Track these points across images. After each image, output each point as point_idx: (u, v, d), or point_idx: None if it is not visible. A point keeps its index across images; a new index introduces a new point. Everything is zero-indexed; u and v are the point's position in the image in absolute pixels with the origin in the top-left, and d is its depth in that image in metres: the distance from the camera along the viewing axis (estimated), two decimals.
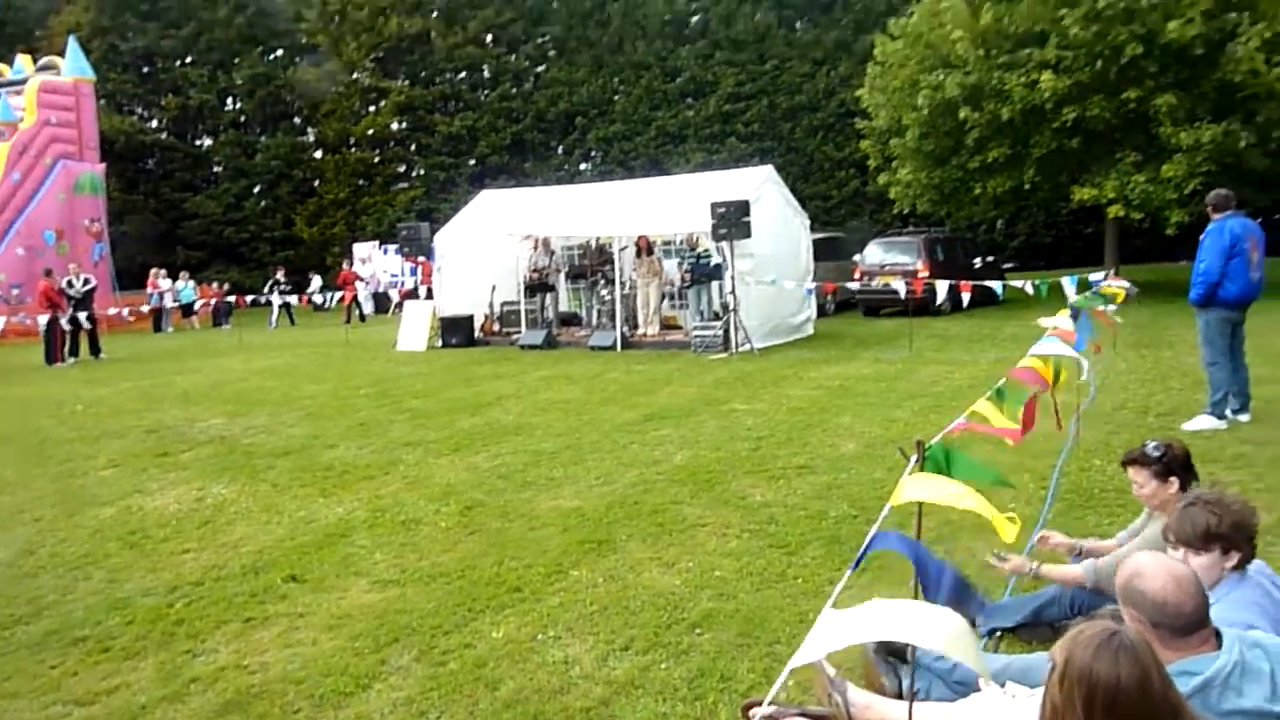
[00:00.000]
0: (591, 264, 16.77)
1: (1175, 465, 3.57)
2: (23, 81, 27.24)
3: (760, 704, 3.12)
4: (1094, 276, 11.14)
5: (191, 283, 27.85)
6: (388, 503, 6.40)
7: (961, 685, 3.07)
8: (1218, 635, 2.19)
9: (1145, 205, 17.89)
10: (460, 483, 6.83)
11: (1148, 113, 17.70)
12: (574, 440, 8.13)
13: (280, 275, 27.10)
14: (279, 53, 38.38)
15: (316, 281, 28.26)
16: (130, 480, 7.46)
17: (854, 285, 15.84)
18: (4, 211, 25.11)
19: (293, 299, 24.68)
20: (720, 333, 14.14)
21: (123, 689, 3.81)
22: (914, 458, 2.59)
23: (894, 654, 3.32)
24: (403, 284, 28.30)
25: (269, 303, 25.31)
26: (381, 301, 29.39)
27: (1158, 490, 3.58)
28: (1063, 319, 6.27)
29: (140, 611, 4.64)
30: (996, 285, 15.75)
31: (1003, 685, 2.83)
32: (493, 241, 16.97)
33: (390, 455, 7.88)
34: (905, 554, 2.17)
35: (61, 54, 28.15)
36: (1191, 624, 2.15)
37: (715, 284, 15.39)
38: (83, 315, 17.52)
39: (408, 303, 19.19)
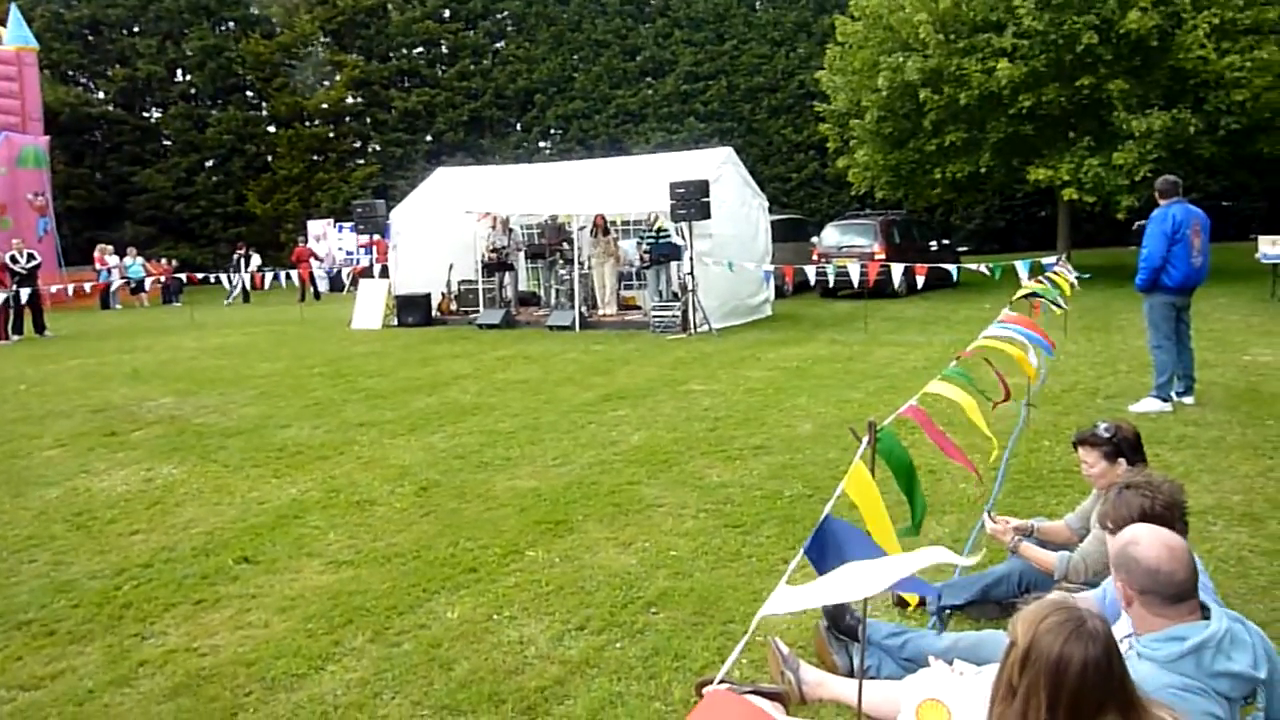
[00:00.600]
0: (550, 243, 16.69)
1: (1125, 446, 3.64)
2: None
3: (714, 682, 3.16)
4: (1046, 260, 11.33)
5: (140, 259, 27.27)
6: (342, 483, 6.35)
7: (910, 663, 3.14)
8: (1203, 607, 2.25)
9: (1097, 189, 18.18)
10: (416, 463, 6.79)
11: (1101, 99, 17.96)
12: (531, 420, 8.12)
13: (247, 251, 26.84)
14: (230, 25, 37.51)
15: (255, 260, 27.89)
16: (77, 461, 7.32)
17: (811, 270, 15.92)
18: None
19: (243, 276, 24.33)
20: (679, 313, 14.17)
21: (69, 673, 3.75)
22: (865, 439, 2.61)
23: (844, 632, 3.37)
24: (358, 262, 27.97)
25: (231, 279, 24.89)
26: (336, 280, 29.03)
27: (1106, 471, 3.65)
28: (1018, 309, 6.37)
29: (87, 594, 4.56)
30: (952, 268, 15.95)
31: (950, 663, 2.88)
32: (450, 219, 16.81)
33: (345, 435, 7.82)
34: (850, 545, 2.20)
35: (3, 22, 27.27)
36: (1182, 593, 2.22)
37: (674, 264, 15.41)
38: (26, 291, 17.07)
39: (363, 281, 18.98)
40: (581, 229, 16.10)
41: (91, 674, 3.74)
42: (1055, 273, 8.85)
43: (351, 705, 3.40)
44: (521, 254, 17.58)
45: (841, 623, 3.38)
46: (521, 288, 17.85)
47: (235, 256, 27.50)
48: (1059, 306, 7.85)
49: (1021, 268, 11.39)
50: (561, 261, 16.43)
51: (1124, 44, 17.51)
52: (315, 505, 5.87)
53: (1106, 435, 3.66)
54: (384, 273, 18.59)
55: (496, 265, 17.01)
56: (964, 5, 18.43)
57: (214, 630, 4.10)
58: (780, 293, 18.82)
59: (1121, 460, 3.64)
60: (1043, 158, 19.13)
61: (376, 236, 20.56)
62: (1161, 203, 7.40)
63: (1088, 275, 10.50)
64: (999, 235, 33.38)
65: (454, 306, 17.44)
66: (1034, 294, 7.72)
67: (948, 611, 3.84)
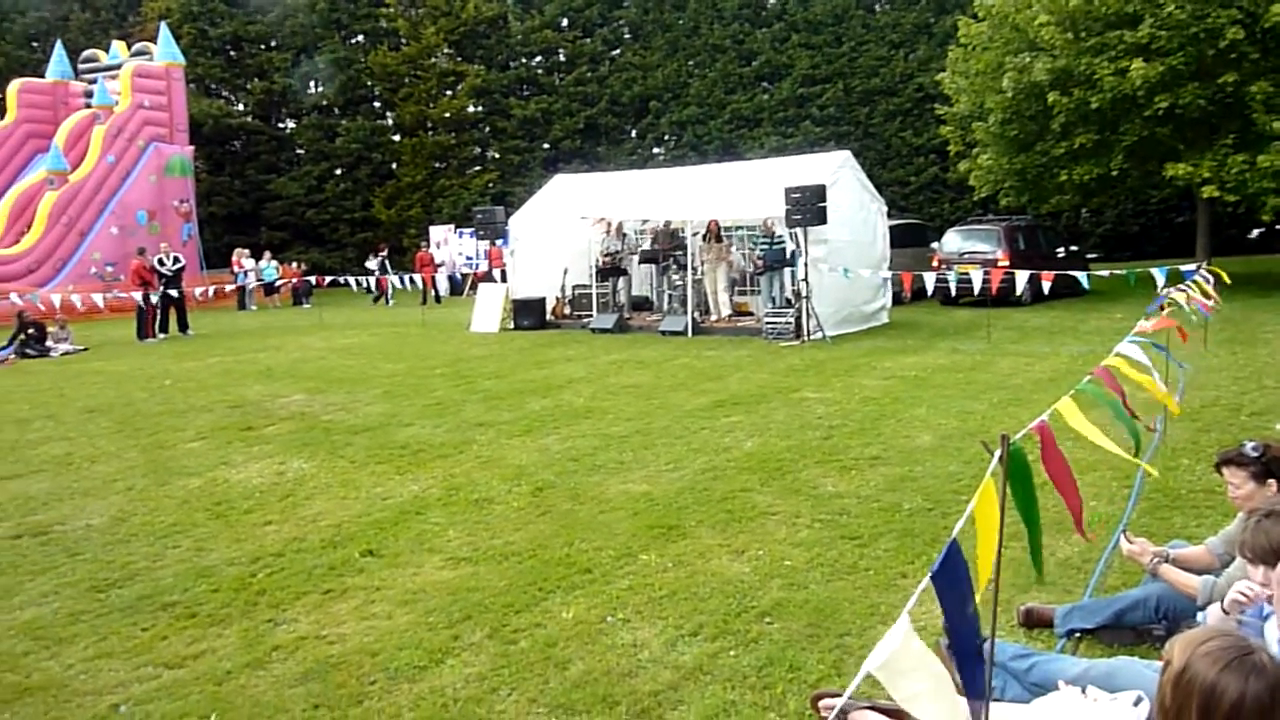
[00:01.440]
0: (663, 248, 16.75)
1: (1276, 467, 3.42)
2: (118, 67, 28.27)
3: (830, 695, 3.11)
4: (1186, 268, 10.75)
5: (274, 262, 28.65)
6: (461, 481, 6.51)
7: (1038, 687, 3.01)
8: None
9: (1240, 189, 17.14)
10: (531, 464, 6.91)
11: (1244, 98, 16.94)
12: (644, 425, 8.17)
13: (389, 252, 27.87)
14: (359, 38, 39.06)
15: (372, 262, 28.86)
16: (216, 453, 7.73)
17: (930, 277, 15.56)
18: (99, 192, 26.11)
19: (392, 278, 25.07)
20: (792, 320, 14.04)
21: (208, 654, 3.96)
22: (998, 453, 2.52)
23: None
24: (477, 266, 28.67)
25: (378, 280, 25.77)
26: (456, 284, 29.84)
27: (1254, 493, 3.43)
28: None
29: (225, 580, 4.80)
30: (1081, 275, 15.29)
31: (1083, 690, 2.76)
32: (565, 225, 17.06)
33: (464, 435, 8.01)
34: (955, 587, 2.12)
35: (154, 40, 29.09)
36: None
37: (788, 270, 15.26)
38: (173, 292, 18.15)
39: (482, 285, 19.44)
40: (695, 234, 16.11)
41: (229, 655, 3.93)
42: (1197, 280, 8.39)
43: (470, 699, 3.47)
44: (635, 259, 17.71)
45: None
46: (635, 292, 17.98)
47: (380, 258, 28.50)
48: (1203, 312, 7.39)
49: (1158, 275, 10.85)
50: (675, 266, 16.48)
51: (1270, 38, 16.46)
52: (436, 502, 6.03)
53: (1254, 455, 3.44)
54: (502, 277, 19.02)
55: (610, 270, 17.19)
56: (1095, 0, 17.66)
57: (341, 620, 4.25)
58: (898, 300, 18.40)
59: (1272, 482, 3.42)
60: (1181, 157, 18.16)
61: (496, 242, 21.05)
62: None
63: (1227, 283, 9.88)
64: (1131, 241, 31.81)
65: (568, 310, 17.69)
66: (1172, 304, 7.32)
67: (1077, 635, 3.68)
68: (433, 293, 26.74)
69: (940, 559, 2.20)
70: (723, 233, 16.19)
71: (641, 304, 18.03)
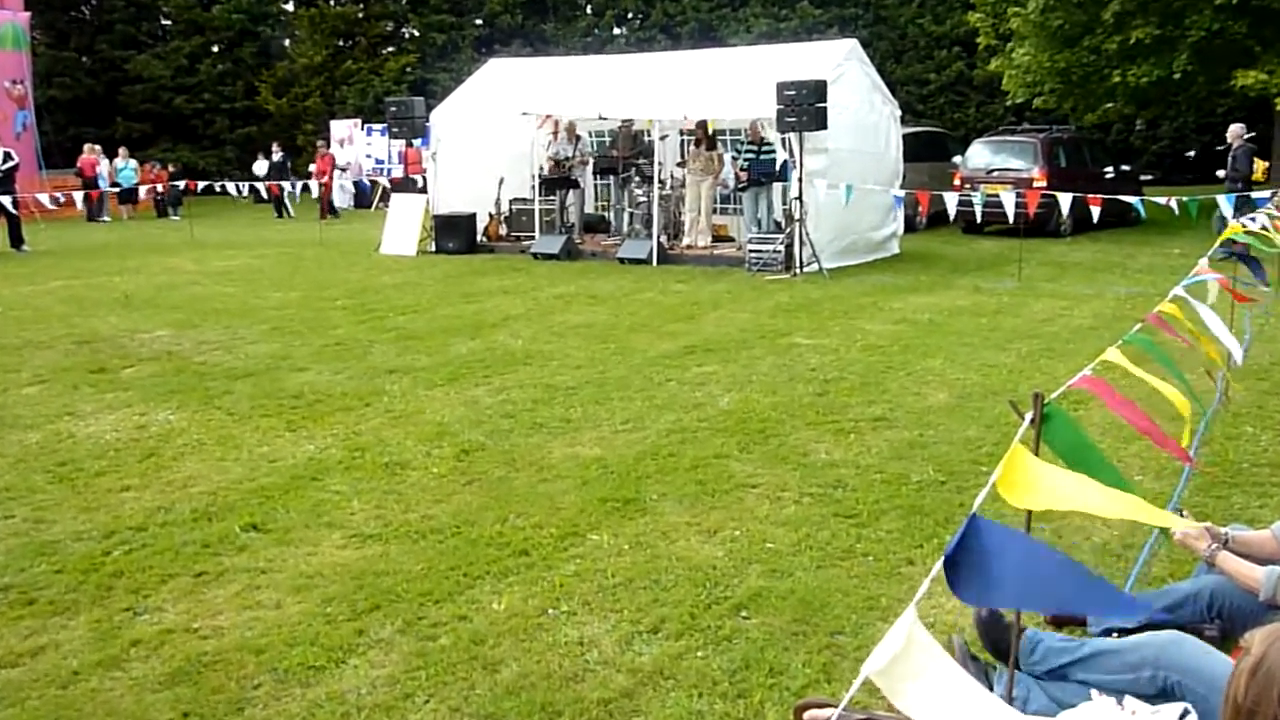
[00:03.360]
0: (624, 155, 16.65)
1: None
2: None
3: (818, 705, 3.15)
4: (1259, 195, 10.89)
5: (133, 162, 28.03)
6: (368, 441, 6.49)
7: (1060, 705, 3.08)
8: None
9: None
10: (456, 420, 6.91)
11: None
12: (597, 374, 8.19)
13: (279, 154, 27.46)
14: None
15: (262, 165, 28.35)
16: (59, 400, 7.60)
17: (951, 198, 15.60)
18: None
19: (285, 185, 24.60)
20: (782, 248, 14.09)
21: (51, 649, 3.91)
22: (1029, 415, 2.54)
23: (1000, 653, 3.34)
24: (390, 172, 28.31)
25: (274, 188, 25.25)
26: (363, 193, 29.45)
27: None
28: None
29: (71, 559, 4.74)
30: (1134, 200, 15.43)
31: (1119, 700, 2.83)
32: (502, 124, 16.86)
33: (372, 383, 7.98)
34: (1010, 554, 2.13)
35: None
36: None
37: (778, 186, 15.25)
38: (5, 200, 17.67)
39: (395, 196, 19.21)
40: (664, 138, 16.01)
41: (77, 652, 3.89)
42: (1269, 210, 8.49)
43: (378, 707, 3.48)
44: (589, 168, 17.61)
45: (999, 637, 3.34)
46: (588, 210, 17.88)
47: (273, 160, 28.02)
48: (1258, 277, 7.39)
49: (1224, 204, 10.98)
50: (638, 179, 16.41)
51: None
52: (336, 465, 6.01)
53: None
54: (421, 187, 18.77)
55: (558, 181, 17.07)
56: None
57: (217, 609, 4.23)
58: (911, 226, 18.56)
59: None
60: (1257, 61, 18.30)
61: (414, 143, 20.76)
62: None
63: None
64: (1193, 164, 32.23)
65: (504, 231, 17.58)
66: (1237, 242, 7.38)
67: (1115, 635, 3.76)
68: (339, 205, 26.38)
69: (955, 540, 2.22)
70: (716, 138, 16.14)
71: (596, 224, 17.96)
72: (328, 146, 29.60)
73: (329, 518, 5.22)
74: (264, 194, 25.46)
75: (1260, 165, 16.52)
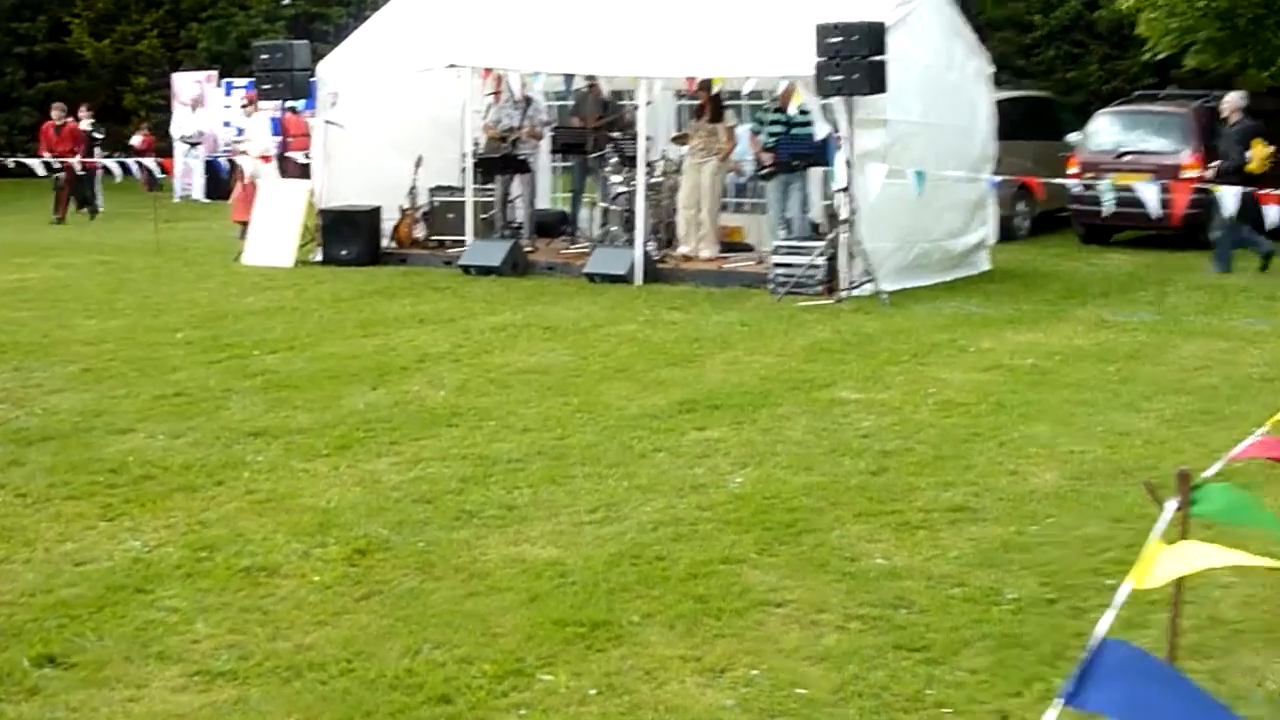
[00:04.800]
0: (594, 126, 16.70)
1: None
2: None
3: None
4: None
5: None
6: (220, 535, 6.43)
7: None
8: None
9: None
10: (348, 506, 6.87)
11: None
12: (553, 441, 8.17)
13: (89, 118, 27.39)
14: None
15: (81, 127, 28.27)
16: None
17: (1070, 184, 15.64)
18: None
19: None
20: (822, 261, 14.07)
21: None
22: (1172, 502, 2.57)
23: None
24: (258, 149, 28.23)
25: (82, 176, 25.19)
26: (217, 178, 29.26)
27: None
28: None
29: None
30: None
31: None
32: (421, 81, 16.89)
33: (227, 452, 7.93)
34: (1154, 703, 2.13)
35: None
36: None
37: (816, 173, 15.28)
38: None
39: (265, 182, 19.10)
40: (648, 104, 16.03)
41: None
42: None
43: None
44: (544, 145, 17.64)
45: None
46: (542, 204, 17.86)
47: (85, 127, 27.94)
48: None
49: (1226, 201, 11.14)
50: (614, 160, 16.45)
51: None
52: (173, 571, 5.93)
53: None
54: (304, 170, 18.71)
55: (500, 163, 17.04)
56: None
57: None
58: (1008, 232, 18.54)
59: None
60: None
61: (294, 107, 20.74)
62: None
63: None
64: None
65: (421, 233, 17.57)
66: None
67: None
68: (185, 190, 26.27)
69: (1073, 682, 2.22)
70: (723, 105, 16.20)
71: (554, 225, 17.95)
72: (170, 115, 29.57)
73: (161, 647, 5.14)
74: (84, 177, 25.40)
75: (1262, 151, 15.85)
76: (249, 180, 20.67)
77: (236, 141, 29.08)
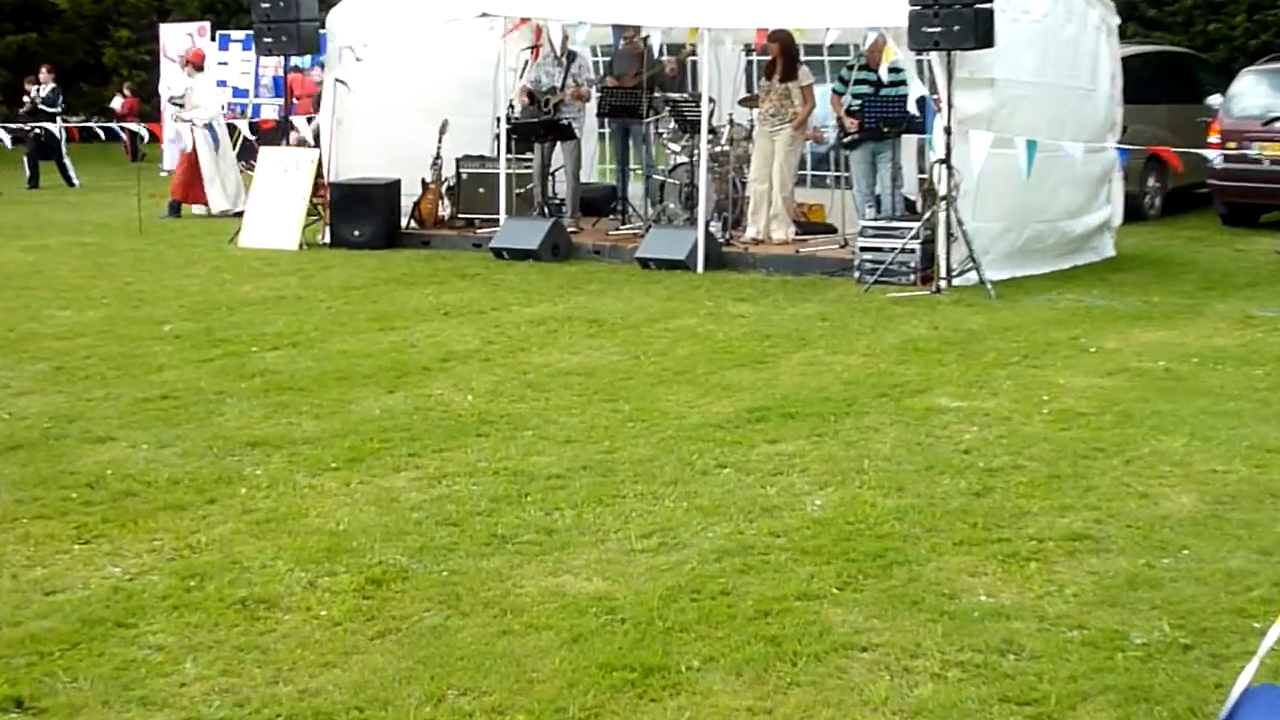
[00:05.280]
0: (647, 88, 16.70)
1: None
2: None
3: None
4: None
5: None
6: (212, 561, 6.40)
7: None
8: None
9: None
10: (361, 529, 6.84)
11: None
12: (601, 454, 8.14)
13: (49, 80, 27.55)
14: None
15: (44, 89, 28.42)
16: None
17: (1210, 155, 15.49)
18: None
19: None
20: (916, 246, 14.05)
21: None
22: None
23: None
24: (258, 111, 28.34)
25: (35, 135, 25.51)
26: (214, 144, 29.39)
27: None
28: None
29: None
30: None
31: None
32: (447, 32, 16.93)
33: (220, 464, 7.94)
34: None
35: None
36: None
37: (909, 143, 15.19)
38: None
39: (266, 151, 19.13)
40: (717, 60, 15.96)
41: None
42: None
43: None
44: (590, 107, 17.66)
45: None
46: (588, 178, 17.82)
47: (42, 90, 28.19)
48: None
49: None
50: (673, 126, 16.41)
51: None
52: (158, 602, 5.89)
53: None
54: (314, 139, 18.70)
55: (539, 129, 17.02)
56: None
57: None
58: (1137, 210, 18.38)
59: None
60: None
61: (300, 65, 20.76)
62: None
63: None
64: None
65: (447, 211, 17.65)
66: None
67: None
68: (168, 163, 26.36)
69: None
70: (800, 62, 16.15)
71: (602, 202, 17.91)
72: (154, 69, 29.66)
73: (144, 690, 5.11)
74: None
75: None
76: (191, 152, 20.88)
77: (175, 103, 28.95)
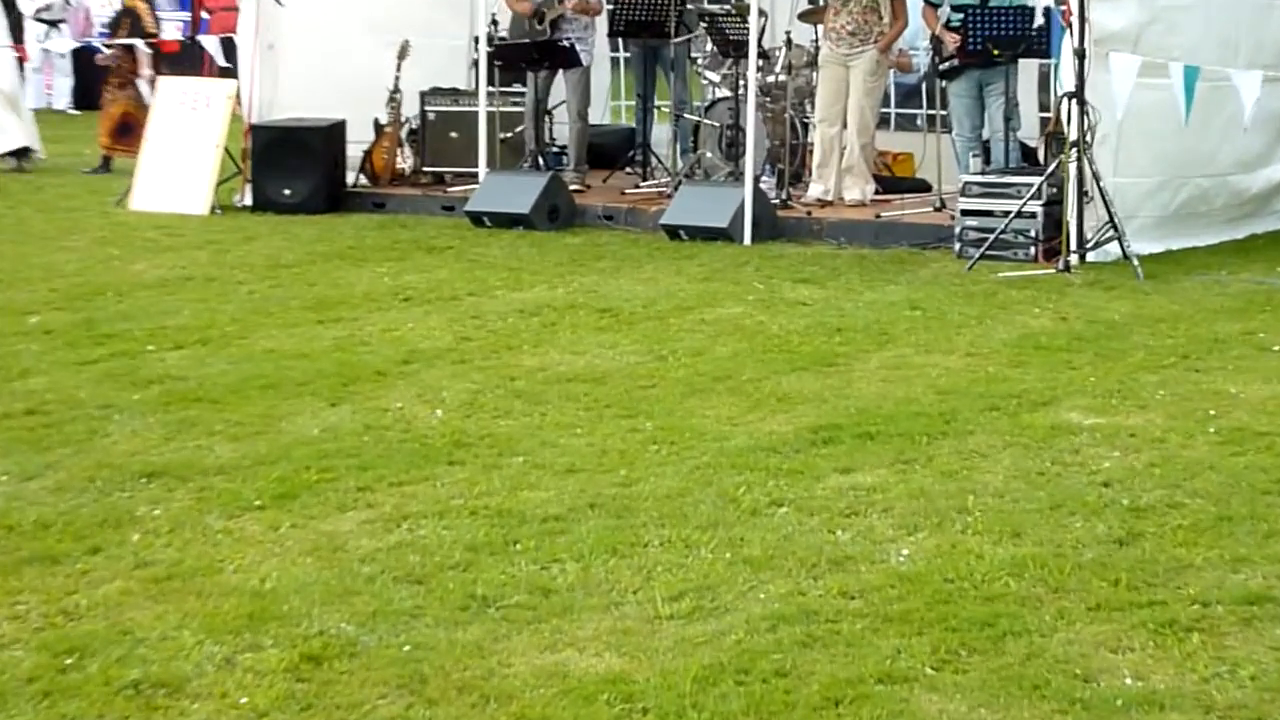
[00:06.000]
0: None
1: None
2: None
3: None
4: None
5: None
6: (96, 630, 6.21)
7: None
8: None
9: None
10: (294, 588, 6.67)
11: None
12: (615, 487, 8.08)
13: None
14: None
15: None
16: None
17: None
18: None
19: None
20: (1037, 207, 13.93)
21: None
22: None
23: None
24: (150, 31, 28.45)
25: None
26: (92, 78, 29.36)
27: None
28: None
29: None
30: None
31: None
32: None
33: (105, 500, 7.89)
34: None
35: None
36: None
37: (1029, 71, 15.03)
38: None
39: (168, 82, 19.09)
40: None
41: None
42: None
43: None
44: (598, 23, 17.73)
45: None
46: (597, 118, 17.74)
47: None
48: None
49: None
50: (710, 48, 16.27)
51: None
52: (23, 687, 5.65)
53: None
54: (226, 65, 18.71)
55: (532, 53, 16.94)
56: None
57: None
58: None
59: None
60: None
61: None
62: None
63: None
64: None
65: (408, 163, 17.68)
66: None
67: None
68: (35, 100, 26.57)
69: None
70: None
71: (615, 149, 17.85)
72: None
73: None
74: None
75: None
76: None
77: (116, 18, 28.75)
